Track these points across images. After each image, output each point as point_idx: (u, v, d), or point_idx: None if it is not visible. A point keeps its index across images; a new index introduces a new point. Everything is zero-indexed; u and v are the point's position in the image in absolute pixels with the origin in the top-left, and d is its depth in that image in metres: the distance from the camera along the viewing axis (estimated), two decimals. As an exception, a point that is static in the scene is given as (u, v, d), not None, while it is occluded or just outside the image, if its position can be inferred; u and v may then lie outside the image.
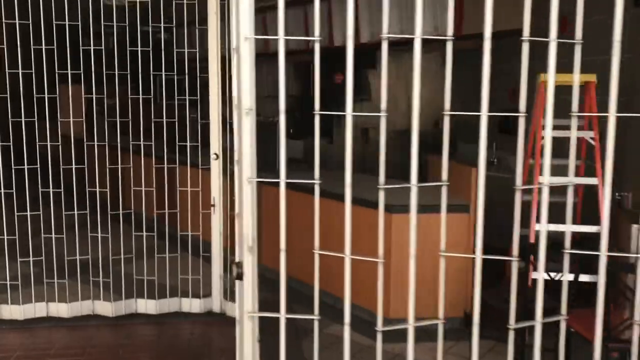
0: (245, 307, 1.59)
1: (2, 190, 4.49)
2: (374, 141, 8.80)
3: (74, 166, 4.59)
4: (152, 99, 4.61)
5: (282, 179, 1.50)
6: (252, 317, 1.56)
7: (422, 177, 3.58)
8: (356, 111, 1.41)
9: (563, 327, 1.44)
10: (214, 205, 4.71)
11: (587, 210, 4.66)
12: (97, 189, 4.60)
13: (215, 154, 4.65)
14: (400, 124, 9.00)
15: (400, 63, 8.95)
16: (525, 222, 4.69)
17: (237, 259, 1.68)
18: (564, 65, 1.46)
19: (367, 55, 8.57)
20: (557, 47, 1.37)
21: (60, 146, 4.59)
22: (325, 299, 4.15)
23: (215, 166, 4.68)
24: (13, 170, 4.49)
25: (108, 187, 4.65)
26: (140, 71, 4.50)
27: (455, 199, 4.62)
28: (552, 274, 3.67)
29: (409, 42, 1.43)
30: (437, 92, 4.24)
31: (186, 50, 4.61)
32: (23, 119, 4.44)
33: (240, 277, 1.61)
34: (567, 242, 1.52)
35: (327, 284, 4.18)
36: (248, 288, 1.57)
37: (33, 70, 4.39)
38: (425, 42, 1.40)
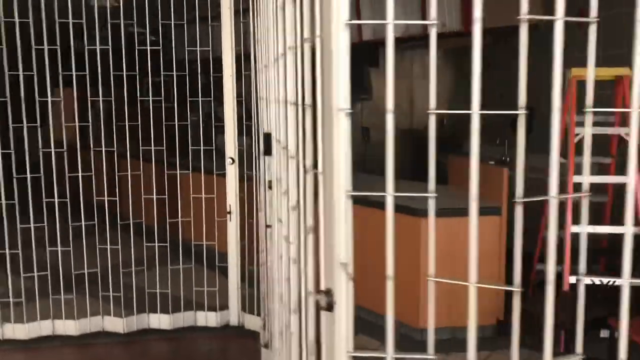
0: (338, 343, 1.34)
1: (4, 201, 4.19)
2: (376, 141, 8.58)
3: (80, 174, 4.30)
4: (162, 101, 4.33)
5: (389, 192, 1.26)
6: (353, 357, 1.31)
7: (442, 179, 3.29)
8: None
9: None
10: (230, 213, 4.45)
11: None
12: (106, 198, 4.32)
13: (231, 158, 4.39)
14: (403, 124, 8.80)
15: (402, 60, 8.75)
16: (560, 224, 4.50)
17: (320, 286, 1.44)
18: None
19: (367, 53, 8.32)
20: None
21: (65, 153, 4.30)
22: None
23: (231, 171, 4.42)
24: (15, 180, 4.19)
25: (117, 196, 4.37)
26: (149, 72, 4.22)
27: (484, 200, 4.40)
28: (604, 280, 3.47)
29: (412, 39, 1.32)
30: (440, 89, 4.05)
31: (198, 49, 4.34)
32: (25, 125, 4.15)
33: (330, 307, 1.36)
34: (628, 244, 1.30)
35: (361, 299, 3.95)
36: (343, 321, 1.33)
37: (35, 72, 4.10)
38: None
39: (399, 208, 2.80)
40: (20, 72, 4.07)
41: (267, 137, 2.90)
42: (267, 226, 3.04)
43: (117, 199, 4.36)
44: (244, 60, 4.26)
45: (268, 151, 2.91)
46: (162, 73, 4.28)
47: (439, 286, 1.30)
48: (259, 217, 3.91)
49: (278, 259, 2.77)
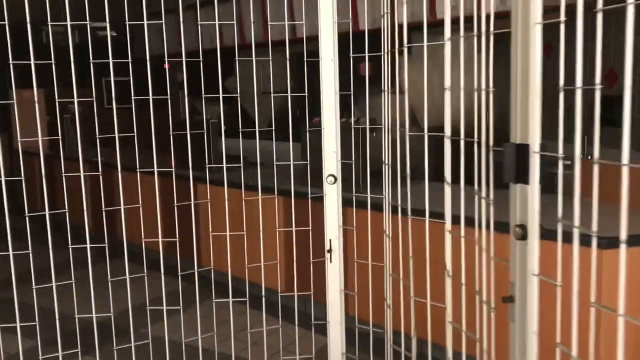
0: None
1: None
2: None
3: (122, 207, 2.99)
4: (238, 100, 3.06)
5: None
6: None
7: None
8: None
9: None
10: (330, 251, 3.21)
11: None
12: (160, 240, 3.02)
13: (332, 176, 3.15)
14: (438, 121, 7.66)
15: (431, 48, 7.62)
16: None
17: None
18: None
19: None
20: None
21: (100, 177, 2.99)
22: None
23: (332, 193, 3.18)
24: None
25: (177, 236, 3.06)
26: (218, 55, 2.94)
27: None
28: None
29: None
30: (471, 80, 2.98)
31: (286, 24, 3.08)
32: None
33: None
34: None
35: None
36: None
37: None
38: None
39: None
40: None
41: (523, 150, 1.69)
42: (507, 299, 1.83)
43: (177, 240, 3.05)
44: (352, 38, 3.04)
45: (524, 176, 1.70)
46: (236, 58, 3.01)
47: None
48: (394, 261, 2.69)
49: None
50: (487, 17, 1.97)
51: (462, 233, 2.20)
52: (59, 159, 2.83)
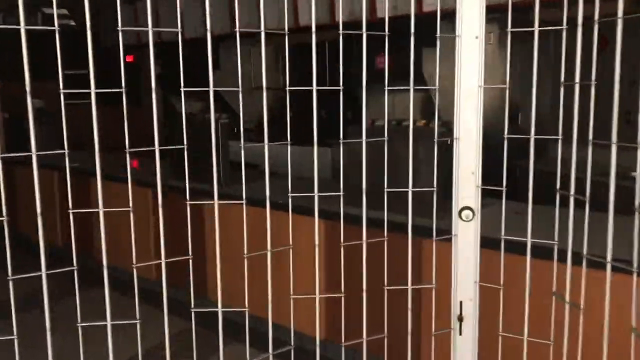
0: None
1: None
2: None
3: (163, 261, 2.06)
4: (339, 98, 2.09)
5: None
6: None
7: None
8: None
9: None
10: (462, 320, 2.22)
11: None
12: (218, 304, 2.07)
13: (469, 209, 2.15)
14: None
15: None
16: None
17: None
18: None
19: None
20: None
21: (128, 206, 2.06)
22: None
23: (469, 234, 2.18)
24: None
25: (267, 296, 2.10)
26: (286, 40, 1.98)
27: None
28: None
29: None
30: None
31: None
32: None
33: None
34: None
35: None
36: None
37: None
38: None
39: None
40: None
41: None
42: None
43: (269, 303, 2.10)
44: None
45: None
46: (338, 51, 2.03)
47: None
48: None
49: None
50: None
51: None
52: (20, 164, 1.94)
